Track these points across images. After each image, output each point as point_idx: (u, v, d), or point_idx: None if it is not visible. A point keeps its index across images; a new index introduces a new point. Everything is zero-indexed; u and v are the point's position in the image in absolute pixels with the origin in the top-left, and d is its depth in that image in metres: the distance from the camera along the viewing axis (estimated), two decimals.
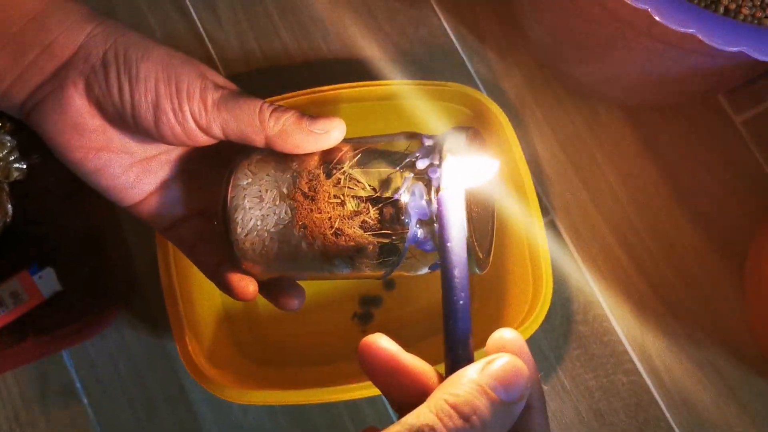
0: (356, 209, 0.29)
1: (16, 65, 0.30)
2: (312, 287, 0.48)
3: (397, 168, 0.29)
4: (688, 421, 0.48)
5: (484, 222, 0.30)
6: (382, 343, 0.25)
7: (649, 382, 0.48)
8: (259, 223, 0.30)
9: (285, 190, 0.30)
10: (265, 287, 0.35)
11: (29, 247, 0.46)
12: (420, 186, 0.28)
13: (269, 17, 0.53)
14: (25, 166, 0.44)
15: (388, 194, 0.28)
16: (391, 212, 0.28)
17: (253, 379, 0.44)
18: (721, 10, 0.35)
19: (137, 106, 0.30)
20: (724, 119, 0.51)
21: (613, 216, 0.50)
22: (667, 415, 0.48)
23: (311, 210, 0.29)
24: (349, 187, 0.29)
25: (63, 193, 0.46)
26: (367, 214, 0.28)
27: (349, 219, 0.29)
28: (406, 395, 0.25)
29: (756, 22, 0.35)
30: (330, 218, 0.29)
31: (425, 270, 0.30)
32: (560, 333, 0.49)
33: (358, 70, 0.52)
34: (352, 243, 0.29)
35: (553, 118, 0.51)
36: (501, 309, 0.44)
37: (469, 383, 0.22)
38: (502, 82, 0.52)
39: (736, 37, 0.33)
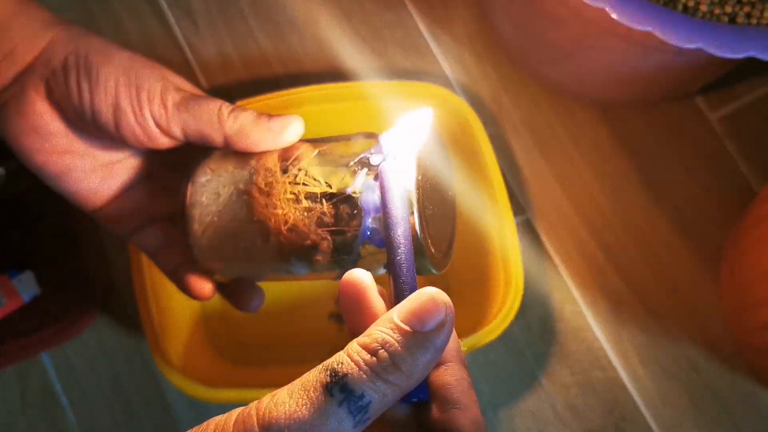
0: (311, 206, 0.29)
1: None
2: (288, 288, 0.49)
3: (351, 164, 0.29)
4: (665, 417, 0.48)
5: (441, 223, 0.31)
6: (356, 274, 0.25)
7: (625, 378, 0.48)
8: (215, 219, 0.31)
9: (242, 186, 0.30)
10: (224, 289, 0.35)
11: (8, 251, 0.46)
12: (373, 182, 0.28)
13: (245, 21, 0.53)
14: (3, 173, 0.45)
15: (342, 190, 0.29)
16: (345, 209, 0.29)
17: (229, 379, 0.44)
18: (680, 7, 0.35)
19: (97, 109, 0.31)
20: (699, 117, 0.51)
21: (589, 214, 0.50)
22: (644, 411, 0.48)
23: (266, 206, 0.29)
24: (304, 184, 0.29)
25: (40, 197, 0.47)
26: (322, 210, 0.29)
27: (303, 215, 0.29)
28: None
29: (715, 19, 0.36)
30: (285, 214, 0.29)
31: (382, 270, 0.30)
32: (537, 330, 0.49)
33: (334, 72, 0.52)
34: (307, 240, 0.29)
35: (529, 118, 0.52)
36: (474, 307, 0.45)
37: (383, 322, 0.22)
38: (479, 83, 0.52)
39: (694, 34, 0.33)
